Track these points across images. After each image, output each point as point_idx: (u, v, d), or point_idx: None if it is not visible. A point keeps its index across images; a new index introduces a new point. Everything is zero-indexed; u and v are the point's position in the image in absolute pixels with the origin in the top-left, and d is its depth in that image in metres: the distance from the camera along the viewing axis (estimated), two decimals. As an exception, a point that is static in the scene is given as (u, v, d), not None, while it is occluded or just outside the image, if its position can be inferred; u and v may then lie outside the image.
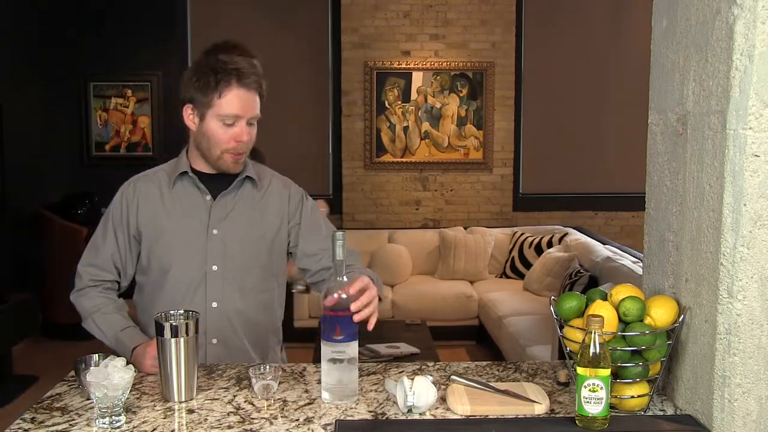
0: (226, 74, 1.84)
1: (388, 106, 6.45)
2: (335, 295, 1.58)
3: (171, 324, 1.60)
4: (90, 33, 6.17)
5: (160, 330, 1.59)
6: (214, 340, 1.95)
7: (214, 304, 1.94)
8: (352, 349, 1.58)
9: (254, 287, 1.99)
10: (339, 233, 1.58)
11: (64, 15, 6.08)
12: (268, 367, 1.66)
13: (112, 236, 1.97)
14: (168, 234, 1.94)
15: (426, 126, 6.48)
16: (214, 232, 1.94)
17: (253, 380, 1.62)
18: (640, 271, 1.96)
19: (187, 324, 1.61)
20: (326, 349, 1.58)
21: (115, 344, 1.89)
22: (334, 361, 1.57)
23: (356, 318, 1.58)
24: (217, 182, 1.97)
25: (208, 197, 1.96)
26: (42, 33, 5.89)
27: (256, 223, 1.99)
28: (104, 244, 1.98)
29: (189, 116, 1.91)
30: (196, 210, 1.95)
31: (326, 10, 6.48)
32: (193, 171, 1.97)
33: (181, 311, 1.66)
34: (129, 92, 6.30)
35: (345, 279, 1.60)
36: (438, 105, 6.46)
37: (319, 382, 1.71)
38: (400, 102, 6.45)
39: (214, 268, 1.94)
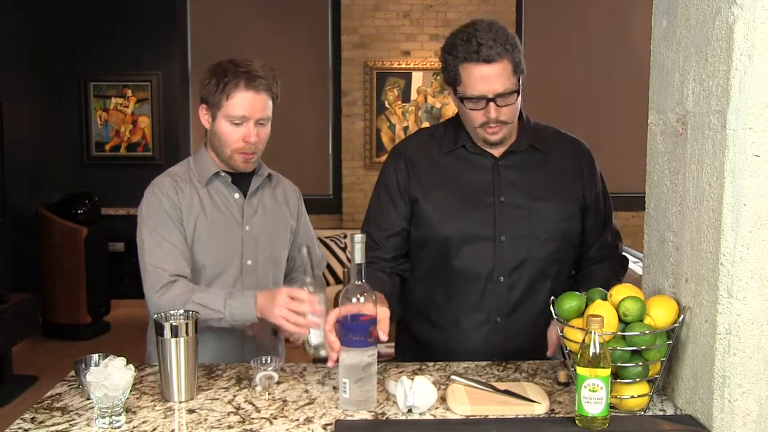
0: (235, 76, 1.91)
1: (388, 106, 6.45)
2: (354, 300, 1.53)
3: (171, 324, 1.60)
4: (90, 33, 6.17)
5: (160, 330, 1.59)
6: (250, 332, 1.99)
7: None
8: (371, 353, 1.54)
9: (280, 280, 2.11)
10: (358, 236, 1.54)
11: (64, 15, 6.08)
12: (270, 358, 1.67)
13: (174, 229, 1.94)
14: (205, 232, 1.98)
15: (426, 126, 6.48)
16: (247, 228, 2.02)
17: (254, 371, 1.63)
18: (639, 271, 1.96)
19: (187, 324, 1.61)
20: (344, 355, 1.53)
21: (227, 310, 1.82)
22: (352, 366, 1.52)
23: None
24: (240, 181, 2.05)
25: (238, 195, 2.03)
26: (42, 33, 5.89)
27: (279, 219, 2.09)
28: (170, 237, 1.93)
29: (204, 116, 2.00)
30: (229, 208, 2.02)
31: (326, 10, 6.47)
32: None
33: (181, 311, 1.67)
34: (129, 92, 6.29)
35: (363, 282, 1.55)
36: (438, 105, 6.46)
37: (318, 382, 1.71)
38: (400, 102, 6.45)
39: (249, 262, 2.01)
